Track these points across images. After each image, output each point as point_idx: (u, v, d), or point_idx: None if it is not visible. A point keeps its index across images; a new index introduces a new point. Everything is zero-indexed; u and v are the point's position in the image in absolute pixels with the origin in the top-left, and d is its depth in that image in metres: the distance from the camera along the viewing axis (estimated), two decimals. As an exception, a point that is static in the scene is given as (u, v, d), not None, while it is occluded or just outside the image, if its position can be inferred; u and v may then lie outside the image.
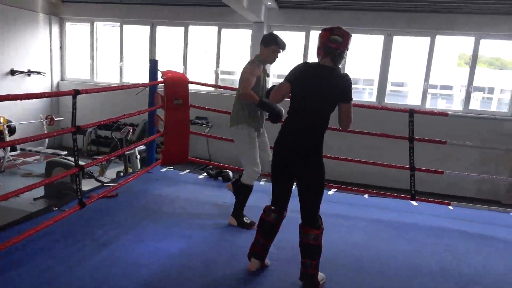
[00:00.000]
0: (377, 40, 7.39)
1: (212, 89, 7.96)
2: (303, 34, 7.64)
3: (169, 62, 7.65)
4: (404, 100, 8.83)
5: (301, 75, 2.53)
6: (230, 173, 4.81)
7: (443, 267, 2.98)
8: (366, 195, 4.58)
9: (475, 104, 7.94)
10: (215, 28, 8.00)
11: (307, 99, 2.47)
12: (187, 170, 5.12)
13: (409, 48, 7.77)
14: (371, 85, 8.51)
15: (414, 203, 4.28)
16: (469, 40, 7.01)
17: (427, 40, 7.09)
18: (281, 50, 3.31)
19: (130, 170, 5.79)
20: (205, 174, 4.98)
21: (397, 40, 7.30)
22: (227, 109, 3.87)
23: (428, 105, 7.45)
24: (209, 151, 7.74)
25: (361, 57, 7.75)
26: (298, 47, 7.74)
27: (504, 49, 7.53)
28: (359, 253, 3.11)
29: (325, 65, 2.50)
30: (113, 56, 8.74)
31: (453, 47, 8.53)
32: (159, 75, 4.77)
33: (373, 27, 7.21)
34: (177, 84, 4.58)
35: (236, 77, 8.00)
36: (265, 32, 7.51)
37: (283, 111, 3.16)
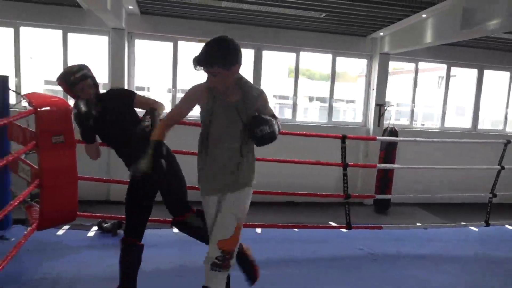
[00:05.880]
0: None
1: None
2: (170, 44, 6.88)
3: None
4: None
5: None
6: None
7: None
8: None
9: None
10: (59, 32, 6.38)
11: None
12: (67, 226, 3.81)
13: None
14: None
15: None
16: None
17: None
18: None
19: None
20: (96, 228, 3.79)
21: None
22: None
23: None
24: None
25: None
26: (167, 59, 6.95)
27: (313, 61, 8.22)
28: None
29: None
30: None
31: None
32: (16, 98, 3.37)
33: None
34: (54, 113, 3.28)
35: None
36: (126, 40, 6.43)
37: None
